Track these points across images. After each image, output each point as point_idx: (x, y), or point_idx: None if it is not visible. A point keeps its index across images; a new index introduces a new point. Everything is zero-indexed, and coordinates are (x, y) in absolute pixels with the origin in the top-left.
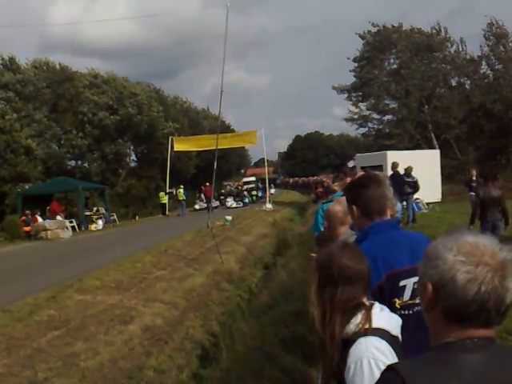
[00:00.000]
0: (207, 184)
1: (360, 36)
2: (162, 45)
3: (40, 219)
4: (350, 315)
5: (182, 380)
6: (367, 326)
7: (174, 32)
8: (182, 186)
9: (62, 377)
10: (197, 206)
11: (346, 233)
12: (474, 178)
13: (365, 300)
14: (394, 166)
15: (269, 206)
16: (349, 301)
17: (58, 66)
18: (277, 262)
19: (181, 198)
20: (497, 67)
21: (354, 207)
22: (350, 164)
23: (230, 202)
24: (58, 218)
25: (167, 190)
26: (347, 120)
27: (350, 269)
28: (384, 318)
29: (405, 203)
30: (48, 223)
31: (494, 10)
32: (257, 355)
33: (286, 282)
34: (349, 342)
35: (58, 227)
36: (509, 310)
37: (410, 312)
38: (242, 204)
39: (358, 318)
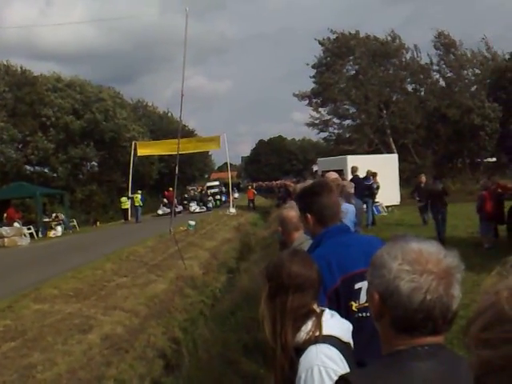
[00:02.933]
0: (170, 189)
1: (319, 42)
2: (121, 49)
3: None
4: (301, 323)
5: None
6: (317, 334)
7: (134, 37)
8: (139, 192)
9: None
10: (160, 212)
11: (300, 238)
12: (423, 185)
13: (315, 307)
14: (354, 170)
15: (232, 210)
16: (299, 308)
17: (18, 70)
18: (240, 267)
19: (137, 204)
20: (448, 75)
21: (309, 215)
22: (314, 168)
23: (194, 206)
24: (16, 224)
25: (129, 195)
26: (308, 125)
27: (300, 276)
28: (334, 324)
29: (365, 206)
30: (5, 230)
31: (441, 20)
32: (219, 362)
33: (249, 286)
34: (299, 350)
35: (16, 234)
36: (456, 316)
37: (368, 314)
38: (205, 209)
39: (309, 326)
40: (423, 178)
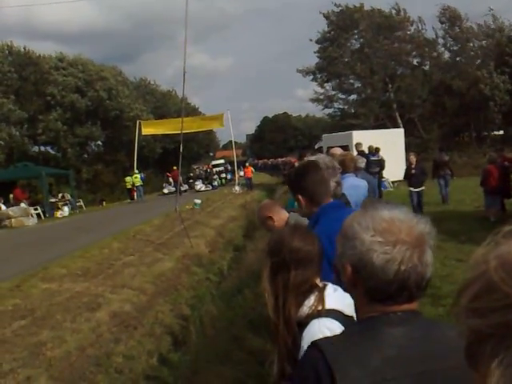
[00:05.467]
0: (174, 168)
1: (324, 15)
2: (121, 28)
3: (3, 207)
4: (304, 298)
5: (152, 365)
6: (320, 308)
7: (134, 15)
8: (136, 172)
9: (27, 367)
10: (165, 190)
11: (292, 215)
12: (414, 166)
13: (318, 281)
14: (358, 146)
15: (238, 188)
16: (302, 284)
17: (22, 50)
18: (246, 245)
19: (138, 184)
20: (454, 48)
21: (300, 196)
22: (317, 145)
23: (199, 185)
24: (22, 205)
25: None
26: (313, 100)
27: (301, 251)
28: (337, 298)
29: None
30: (12, 211)
31: None
32: (225, 338)
33: (255, 263)
34: (302, 324)
35: (23, 215)
36: (429, 283)
37: None
38: (211, 187)
39: (311, 300)
40: (413, 159)
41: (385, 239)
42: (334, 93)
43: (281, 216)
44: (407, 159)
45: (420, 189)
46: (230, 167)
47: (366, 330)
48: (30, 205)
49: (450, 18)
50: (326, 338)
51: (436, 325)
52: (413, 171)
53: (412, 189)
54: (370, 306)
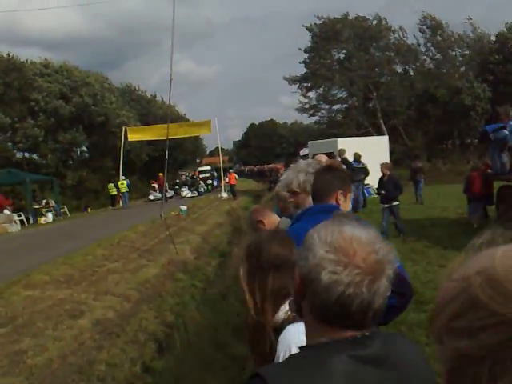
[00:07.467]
0: (160, 174)
1: (307, 28)
2: (106, 35)
3: None
4: (280, 303)
5: (135, 372)
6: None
7: (119, 22)
8: (123, 178)
9: (8, 375)
10: (151, 197)
11: (284, 221)
12: (386, 178)
13: None
14: (341, 152)
15: (224, 194)
16: (280, 289)
17: (5, 56)
18: (232, 251)
19: (124, 190)
20: (436, 56)
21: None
22: (303, 152)
23: (185, 191)
24: (6, 211)
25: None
26: (298, 110)
27: (279, 257)
28: None
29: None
30: None
31: (424, 2)
32: (209, 344)
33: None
34: (277, 329)
35: (6, 221)
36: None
37: None
38: (197, 193)
39: (287, 306)
40: (386, 170)
41: (337, 258)
42: (317, 103)
43: (271, 220)
44: (383, 172)
45: (391, 204)
46: (216, 174)
47: (315, 357)
48: (14, 211)
49: (432, 26)
50: (272, 367)
51: (397, 344)
52: (383, 192)
53: (385, 205)
54: (317, 326)
